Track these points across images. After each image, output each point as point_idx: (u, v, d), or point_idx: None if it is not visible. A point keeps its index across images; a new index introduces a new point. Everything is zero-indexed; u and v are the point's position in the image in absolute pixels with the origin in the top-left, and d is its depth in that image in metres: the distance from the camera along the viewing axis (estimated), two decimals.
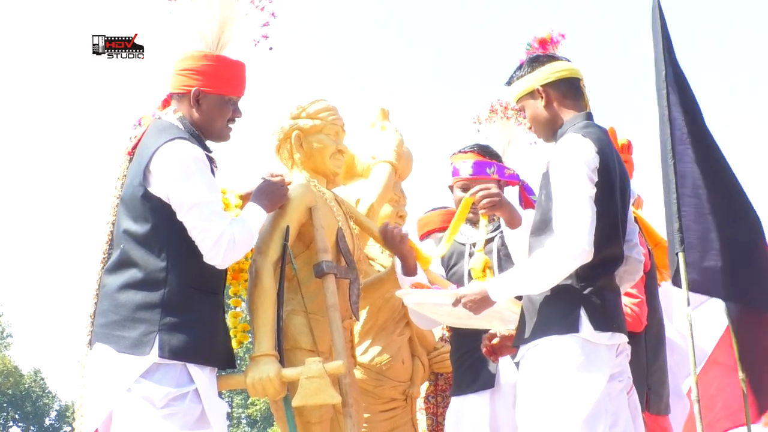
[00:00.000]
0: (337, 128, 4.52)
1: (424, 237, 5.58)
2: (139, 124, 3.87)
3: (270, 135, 4.58)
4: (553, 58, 3.92)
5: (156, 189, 3.57)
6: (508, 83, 3.97)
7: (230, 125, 3.89)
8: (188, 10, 3.87)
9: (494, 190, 4.04)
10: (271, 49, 3.97)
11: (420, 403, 5.37)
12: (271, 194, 4.01)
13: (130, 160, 3.79)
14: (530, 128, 3.98)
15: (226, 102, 3.84)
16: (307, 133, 4.47)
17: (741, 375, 5.10)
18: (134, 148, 3.78)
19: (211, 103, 3.81)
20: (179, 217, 3.56)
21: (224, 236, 3.56)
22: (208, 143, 3.86)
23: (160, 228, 3.57)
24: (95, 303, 3.69)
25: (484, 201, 4.03)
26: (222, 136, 3.88)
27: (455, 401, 4.57)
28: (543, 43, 4.06)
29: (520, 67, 3.94)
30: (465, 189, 4.61)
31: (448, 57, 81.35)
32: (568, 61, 3.93)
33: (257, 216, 3.85)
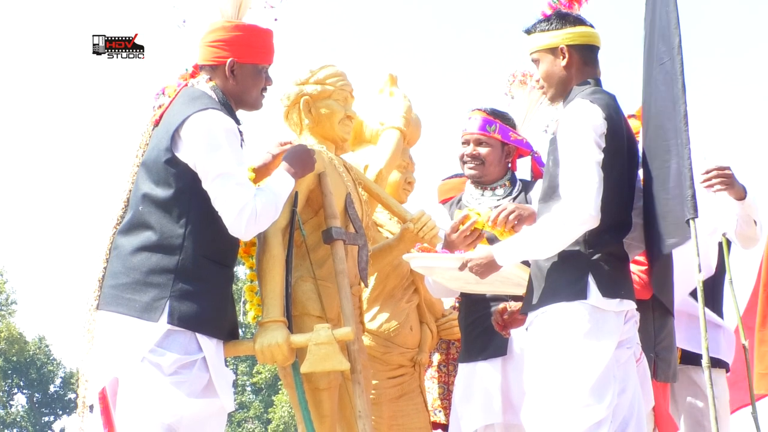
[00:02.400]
0: (345, 94, 4.53)
1: (444, 202, 5.60)
2: (163, 93, 3.89)
3: (278, 101, 4.59)
4: (581, 20, 3.89)
5: (184, 155, 3.59)
6: (528, 31, 3.92)
7: (263, 93, 3.93)
8: None
9: (511, 207, 3.98)
10: (276, 20, 3.99)
11: (431, 371, 5.40)
12: (303, 161, 3.99)
13: (155, 128, 3.81)
14: (537, 81, 3.96)
15: (260, 71, 3.87)
16: (316, 98, 4.48)
17: (744, 341, 5.12)
18: (161, 116, 3.80)
19: (246, 72, 3.83)
20: (204, 186, 3.59)
21: (246, 208, 3.57)
22: (239, 115, 3.88)
23: (182, 194, 3.60)
24: (105, 266, 3.71)
25: (505, 218, 3.95)
26: (256, 104, 3.92)
27: (464, 368, 4.58)
28: (572, 0, 4.01)
29: (547, 20, 3.88)
30: (466, 143, 4.67)
31: (458, 23, 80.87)
32: (592, 27, 3.91)
33: (285, 186, 3.83)
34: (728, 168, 4.38)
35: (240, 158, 3.67)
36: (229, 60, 3.80)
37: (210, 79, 3.83)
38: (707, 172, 4.34)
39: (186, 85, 3.85)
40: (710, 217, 4.80)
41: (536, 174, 4.92)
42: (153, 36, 4.41)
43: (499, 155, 4.70)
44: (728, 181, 4.36)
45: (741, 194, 4.45)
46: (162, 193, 3.61)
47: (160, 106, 3.85)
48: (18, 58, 73.31)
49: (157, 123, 3.80)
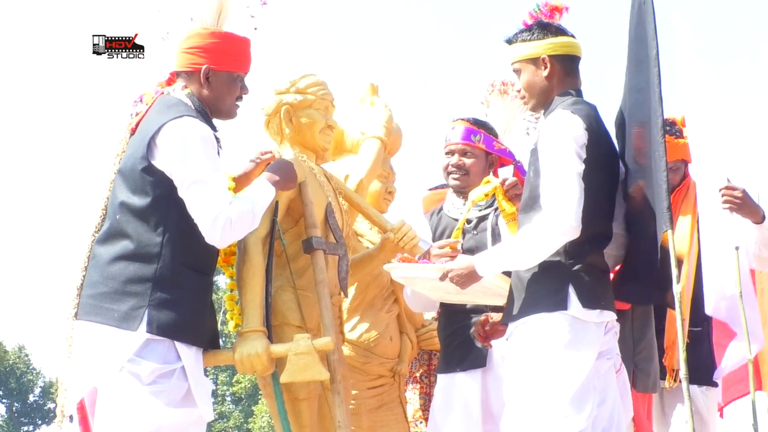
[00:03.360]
0: (326, 103, 4.52)
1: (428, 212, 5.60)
2: (141, 101, 3.86)
3: (259, 110, 4.57)
4: (562, 31, 3.88)
5: (160, 163, 3.56)
6: (510, 41, 3.91)
7: (237, 102, 3.89)
8: None
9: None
10: (255, 29, 3.97)
11: (413, 382, 5.39)
12: (287, 174, 3.95)
13: (131, 136, 3.78)
14: (519, 91, 3.96)
15: (235, 79, 3.84)
16: (297, 108, 4.47)
17: (749, 355, 5.12)
18: (138, 123, 3.77)
19: (220, 80, 3.80)
20: (180, 194, 3.56)
21: (221, 216, 3.53)
22: (215, 122, 3.85)
23: (159, 202, 3.57)
24: (83, 275, 3.68)
25: (512, 184, 4.07)
26: (230, 113, 3.89)
27: (443, 379, 4.57)
28: (553, 10, 4.00)
29: (528, 30, 3.87)
30: (450, 153, 4.65)
31: (438, 33, 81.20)
32: (574, 37, 3.91)
33: (264, 194, 3.78)
34: (739, 190, 4.38)
35: (216, 165, 3.64)
36: (204, 67, 3.77)
37: (185, 86, 3.80)
38: (720, 190, 4.37)
39: (162, 93, 3.82)
40: (728, 236, 4.82)
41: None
42: (152, 36, 4.35)
43: (483, 165, 4.69)
44: (736, 202, 4.36)
45: (758, 218, 4.45)
46: (139, 201, 3.58)
47: (137, 114, 3.82)
48: (18, 58, 72.87)
49: (133, 131, 3.77)
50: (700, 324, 4.84)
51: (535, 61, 3.83)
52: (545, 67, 3.81)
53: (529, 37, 3.85)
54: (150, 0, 4.01)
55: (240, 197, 3.69)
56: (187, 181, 3.53)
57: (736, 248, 4.87)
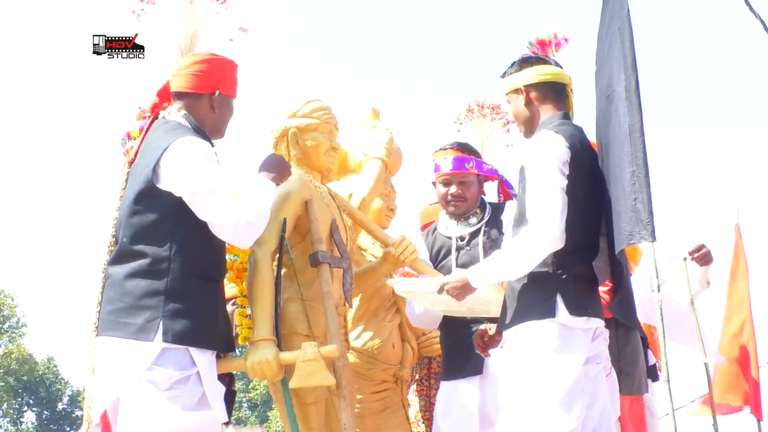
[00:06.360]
0: (330, 126, 4.54)
1: (425, 227, 5.61)
2: (129, 138, 3.86)
3: (268, 133, 4.59)
4: (542, 60, 3.94)
5: (166, 184, 3.56)
6: (502, 77, 4.00)
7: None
8: (161, 13, 3.89)
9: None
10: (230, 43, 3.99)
11: (414, 386, 5.39)
12: (280, 167, 3.98)
13: (132, 165, 3.79)
14: (513, 121, 4.03)
15: (232, 103, 3.89)
16: (303, 131, 4.49)
17: (705, 359, 5.14)
18: (136, 153, 3.78)
19: (225, 104, 3.85)
20: (195, 206, 3.56)
21: (241, 220, 3.57)
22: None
23: (165, 220, 3.57)
24: (101, 294, 3.69)
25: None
26: (223, 134, 3.92)
27: (445, 386, 4.58)
28: (542, 44, 4.09)
29: (512, 65, 3.97)
30: (446, 183, 4.64)
31: (435, 61, 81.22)
32: (558, 66, 3.95)
33: (268, 191, 3.81)
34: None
35: (222, 176, 3.65)
36: (217, 91, 3.80)
37: (181, 108, 3.81)
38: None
39: (156, 116, 3.83)
40: (669, 245, 4.83)
41: (504, 196, 4.93)
42: (150, 36, 4.31)
43: (478, 188, 4.70)
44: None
45: None
46: (145, 222, 3.59)
47: (130, 148, 3.83)
48: (18, 58, 72.01)
49: (132, 161, 3.78)
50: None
51: (516, 91, 3.92)
52: (523, 96, 3.87)
53: (511, 71, 3.95)
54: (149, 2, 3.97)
55: (249, 199, 3.71)
56: (201, 193, 3.55)
57: (684, 259, 4.90)
